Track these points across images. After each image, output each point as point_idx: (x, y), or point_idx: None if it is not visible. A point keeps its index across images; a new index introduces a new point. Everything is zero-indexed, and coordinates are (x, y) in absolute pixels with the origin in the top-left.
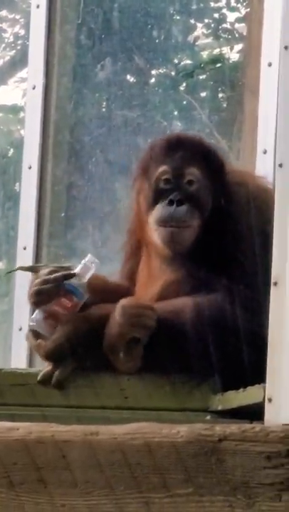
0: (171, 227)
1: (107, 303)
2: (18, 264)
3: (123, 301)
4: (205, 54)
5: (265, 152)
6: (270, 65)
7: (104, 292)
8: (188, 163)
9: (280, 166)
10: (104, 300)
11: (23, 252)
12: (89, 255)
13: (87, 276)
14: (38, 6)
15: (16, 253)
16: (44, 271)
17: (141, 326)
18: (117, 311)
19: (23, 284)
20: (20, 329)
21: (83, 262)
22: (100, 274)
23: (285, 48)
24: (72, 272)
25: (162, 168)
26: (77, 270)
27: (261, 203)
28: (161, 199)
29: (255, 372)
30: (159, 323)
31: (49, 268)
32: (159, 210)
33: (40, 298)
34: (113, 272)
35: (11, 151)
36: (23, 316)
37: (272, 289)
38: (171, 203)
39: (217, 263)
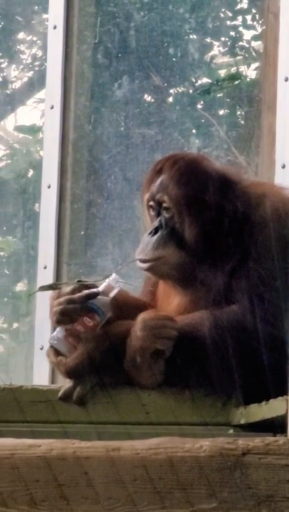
0: (143, 262)
1: (128, 318)
2: (39, 283)
3: (143, 315)
4: (222, 72)
5: (283, 167)
6: (286, 79)
7: (125, 307)
8: (165, 188)
9: None
10: (125, 315)
11: (43, 272)
12: (114, 274)
13: (111, 295)
14: (54, 27)
15: (36, 272)
16: (67, 289)
17: (163, 338)
18: (138, 325)
19: (44, 304)
20: (41, 348)
21: (107, 280)
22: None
23: None
24: (96, 291)
25: (147, 195)
26: (100, 288)
27: (280, 213)
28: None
29: (278, 385)
30: (179, 337)
31: (72, 286)
32: (142, 239)
33: (63, 318)
34: (134, 289)
35: (30, 171)
36: (45, 335)
37: None
38: (151, 231)
39: (233, 275)
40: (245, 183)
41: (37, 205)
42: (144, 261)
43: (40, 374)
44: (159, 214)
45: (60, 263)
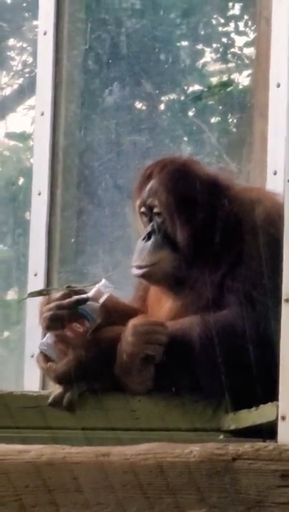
0: (139, 268)
1: (118, 324)
2: (30, 290)
3: (133, 321)
4: (214, 79)
5: (275, 173)
6: (278, 86)
7: (114, 313)
8: (155, 193)
9: None
10: (115, 321)
11: (34, 279)
12: (104, 280)
13: (101, 300)
14: (45, 33)
15: (27, 280)
16: (56, 295)
17: (153, 343)
18: (128, 331)
19: (35, 312)
20: (32, 356)
21: (97, 286)
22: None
23: None
24: (85, 296)
25: (138, 201)
26: (90, 294)
27: (273, 219)
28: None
29: (268, 390)
30: (169, 342)
31: (62, 291)
32: (137, 246)
33: (53, 323)
34: (124, 296)
35: (21, 179)
36: (35, 343)
37: (284, 306)
38: (144, 237)
39: (224, 280)
40: (237, 188)
41: (27, 212)
42: (141, 267)
43: (31, 382)
44: (151, 219)
45: (50, 270)
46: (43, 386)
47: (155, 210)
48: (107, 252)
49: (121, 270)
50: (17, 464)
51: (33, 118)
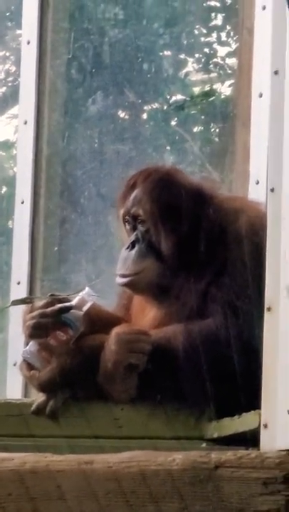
0: (125, 277)
1: (101, 332)
2: (12, 299)
3: (116, 329)
4: (196, 89)
5: (257, 183)
6: (260, 95)
7: (98, 321)
8: (139, 202)
9: (272, 190)
10: (98, 329)
11: (17, 287)
12: (87, 288)
13: (84, 309)
14: (28, 42)
15: (9, 288)
16: (40, 303)
17: (137, 352)
18: (112, 339)
19: (18, 320)
20: (14, 364)
21: (81, 294)
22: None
23: (275, 72)
24: (69, 305)
25: (122, 210)
26: (73, 302)
27: (257, 228)
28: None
29: (250, 398)
30: (152, 350)
31: (45, 299)
32: (121, 255)
33: (37, 331)
34: (108, 305)
35: (4, 187)
36: (18, 351)
37: (266, 315)
38: (128, 246)
39: (208, 289)
40: (220, 197)
41: (10, 221)
42: (125, 276)
43: (13, 390)
44: (135, 228)
45: (33, 279)
46: (26, 394)
47: (139, 218)
48: (90, 261)
49: (104, 279)
50: (0, 471)
51: (16, 127)
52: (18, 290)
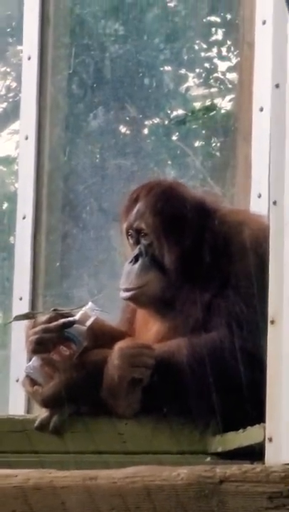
0: (126, 291)
1: (104, 347)
2: (15, 315)
3: (120, 344)
4: (197, 104)
5: (259, 196)
6: (261, 109)
7: (101, 336)
8: (142, 215)
9: (274, 203)
10: (102, 344)
11: (19, 303)
12: (90, 303)
13: (87, 323)
14: (29, 58)
15: (12, 304)
16: (43, 318)
17: (140, 366)
18: (115, 353)
19: (20, 336)
20: (17, 380)
21: (84, 309)
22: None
23: (276, 86)
24: (72, 319)
25: (125, 224)
26: (77, 317)
27: (260, 241)
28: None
29: (255, 412)
30: (156, 365)
31: (48, 314)
32: (124, 269)
33: (40, 347)
34: (111, 319)
35: (5, 203)
36: (20, 367)
37: (270, 328)
38: (132, 260)
39: (211, 302)
40: (223, 210)
41: (12, 236)
42: (129, 289)
43: (16, 406)
44: (138, 242)
45: (35, 294)
46: (28, 410)
47: (142, 232)
48: (92, 276)
49: (107, 293)
50: (3, 488)
51: (17, 142)
52: (20, 306)
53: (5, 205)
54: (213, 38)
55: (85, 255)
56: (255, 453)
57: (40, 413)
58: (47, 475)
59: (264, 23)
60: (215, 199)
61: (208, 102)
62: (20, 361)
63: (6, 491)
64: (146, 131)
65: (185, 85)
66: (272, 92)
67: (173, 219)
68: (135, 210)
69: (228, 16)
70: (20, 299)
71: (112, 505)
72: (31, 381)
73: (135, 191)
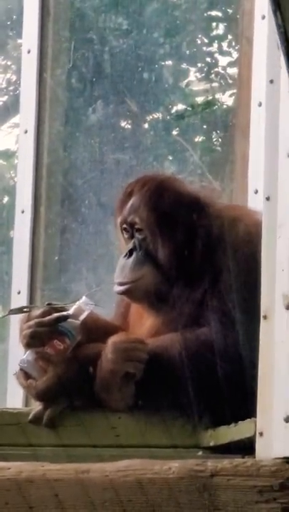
0: (122, 285)
1: (98, 341)
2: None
3: (113, 338)
4: (197, 99)
5: (256, 192)
6: (260, 105)
7: (95, 330)
8: (136, 210)
9: (268, 199)
10: (95, 338)
11: (17, 297)
12: (84, 297)
13: (81, 318)
14: (29, 51)
15: (10, 298)
16: (37, 312)
17: (134, 360)
18: (108, 348)
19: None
20: (15, 374)
21: (78, 303)
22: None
23: (271, 81)
24: (66, 314)
25: (119, 218)
26: (70, 311)
27: (253, 237)
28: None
29: (246, 407)
30: (149, 359)
31: (42, 309)
32: (118, 263)
33: (33, 341)
34: (106, 313)
35: (5, 197)
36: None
37: (262, 323)
38: (126, 254)
39: (205, 297)
40: (218, 205)
41: (11, 230)
42: (123, 284)
43: (14, 400)
44: (132, 236)
45: (34, 288)
46: (26, 404)
47: (136, 226)
48: (90, 270)
49: (104, 287)
50: None
51: (17, 136)
52: (19, 299)
53: (5, 199)
54: (214, 32)
55: (83, 249)
56: (246, 447)
57: (34, 406)
58: (40, 468)
59: (263, 17)
60: (211, 194)
61: (208, 97)
62: (19, 355)
63: (0, 483)
64: (145, 125)
65: (185, 80)
66: (266, 88)
67: (167, 214)
68: (129, 204)
69: (229, 11)
70: (19, 292)
71: (104, 498)
72: (25, 375)
73: (130, 185)
